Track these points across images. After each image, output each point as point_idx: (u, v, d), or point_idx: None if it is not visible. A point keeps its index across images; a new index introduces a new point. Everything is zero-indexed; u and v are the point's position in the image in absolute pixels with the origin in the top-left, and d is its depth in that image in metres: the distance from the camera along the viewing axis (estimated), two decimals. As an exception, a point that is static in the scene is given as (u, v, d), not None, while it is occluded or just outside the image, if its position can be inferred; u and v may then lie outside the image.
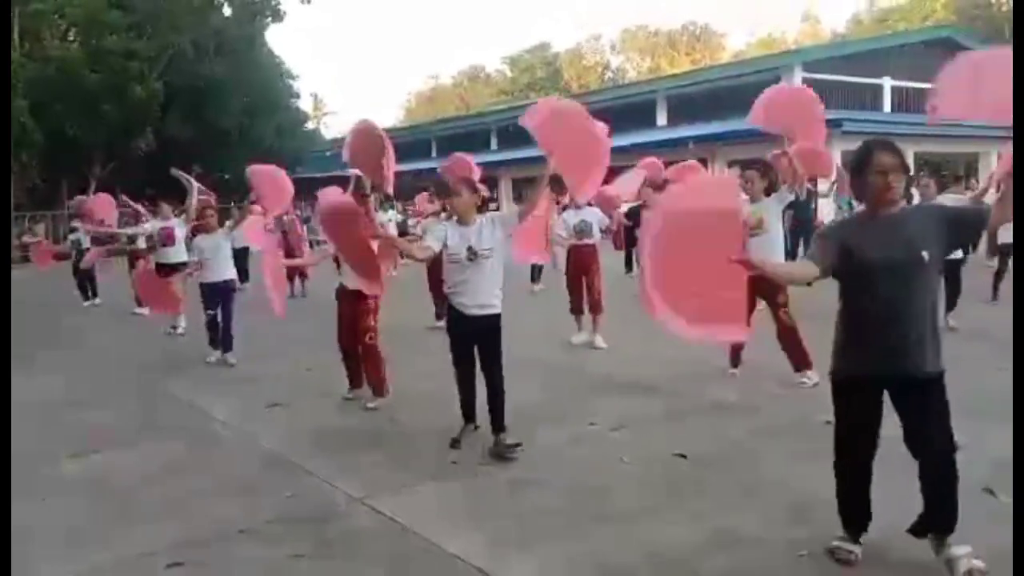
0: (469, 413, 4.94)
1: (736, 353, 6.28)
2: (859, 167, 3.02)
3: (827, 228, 3.45)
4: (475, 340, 4.72)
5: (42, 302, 13.73)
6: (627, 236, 13.98)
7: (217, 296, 7.73)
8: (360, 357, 6.00)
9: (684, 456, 4.49)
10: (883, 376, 3.03)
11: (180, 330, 9.38)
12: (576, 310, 8.06)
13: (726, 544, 3.39)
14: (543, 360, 7.04)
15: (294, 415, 5.81)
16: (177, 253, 9.72)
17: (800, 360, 5.89)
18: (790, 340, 5.92)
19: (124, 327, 10.73)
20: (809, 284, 3.27)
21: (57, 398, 6.62)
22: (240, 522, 3.83)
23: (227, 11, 33.09)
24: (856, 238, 3.02)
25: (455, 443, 4.80)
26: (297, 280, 12.48)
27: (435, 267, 9.62)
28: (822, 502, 3.35)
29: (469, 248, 4.59)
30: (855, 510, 3.20)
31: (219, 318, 7.71)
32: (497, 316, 4.70)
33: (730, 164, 26.60)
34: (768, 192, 6.10)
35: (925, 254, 2.91)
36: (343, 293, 5.94)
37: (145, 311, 11.22)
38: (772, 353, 6.07)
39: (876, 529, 3.19)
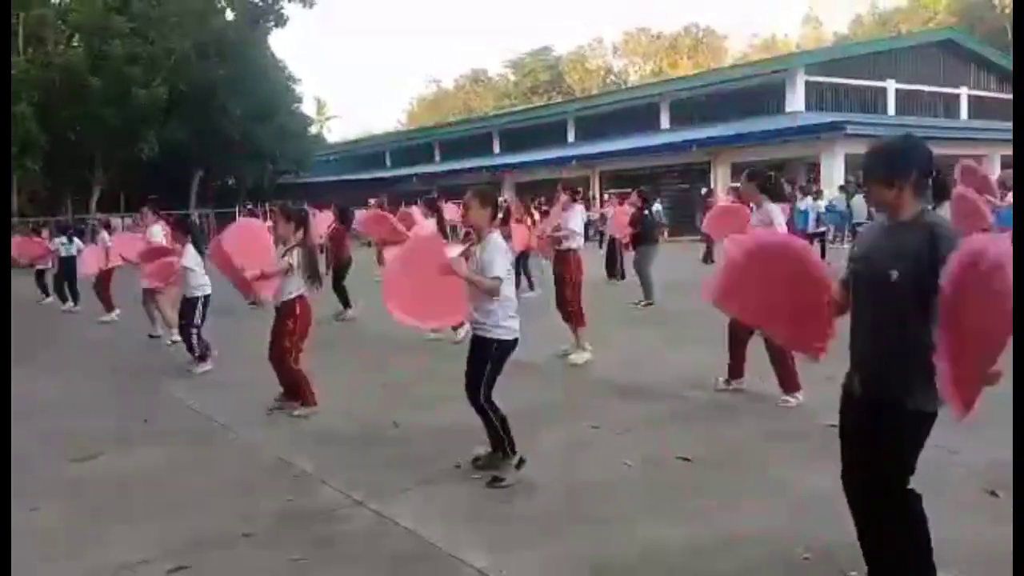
0: None
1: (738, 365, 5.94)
2: None
3: None
4: None
5: (33, 306, 13.79)
6: (613, 244, 14.04)
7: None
8: None
9: (688, 459, 4.48)
10: None
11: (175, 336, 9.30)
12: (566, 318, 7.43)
13: (728, 545, 3.38)
14: (540, 364, 7.00)
15: (294, 418, 5.80)
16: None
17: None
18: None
19: (117, 331, 10.71)
20: None
21: (56, 401, 6.63)
22: (241, 525, 3.83)
23: (229, 15, 33.21)
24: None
25: None
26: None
27: None
28: (824, 504, 3.33)
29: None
30: None
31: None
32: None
33: (733, 168, 26.67)
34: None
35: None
36: None
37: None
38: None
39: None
